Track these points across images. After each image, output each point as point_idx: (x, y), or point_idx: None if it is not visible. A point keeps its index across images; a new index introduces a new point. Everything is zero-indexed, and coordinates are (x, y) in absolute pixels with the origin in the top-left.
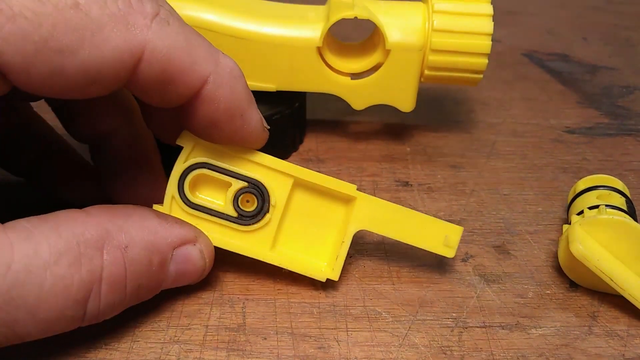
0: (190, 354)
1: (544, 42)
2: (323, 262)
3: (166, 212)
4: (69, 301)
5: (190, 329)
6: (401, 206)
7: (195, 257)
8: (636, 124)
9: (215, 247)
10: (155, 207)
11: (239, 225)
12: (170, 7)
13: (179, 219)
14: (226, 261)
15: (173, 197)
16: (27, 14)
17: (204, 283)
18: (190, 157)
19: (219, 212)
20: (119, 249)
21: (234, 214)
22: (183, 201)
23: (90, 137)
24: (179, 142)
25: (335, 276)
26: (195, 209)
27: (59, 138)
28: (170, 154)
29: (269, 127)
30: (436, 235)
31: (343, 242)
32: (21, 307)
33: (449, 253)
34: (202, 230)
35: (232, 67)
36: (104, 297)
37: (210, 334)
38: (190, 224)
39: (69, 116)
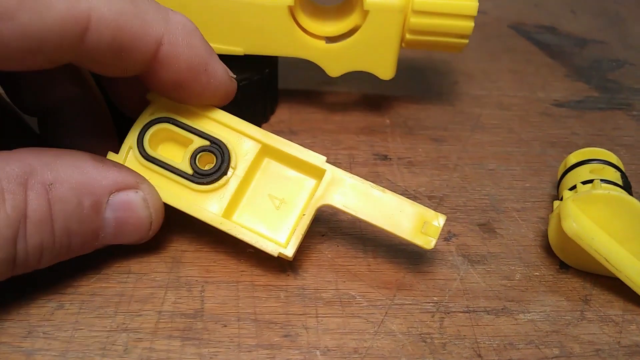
0: (139, 344)
1: (531, 15)
2: (282, 238)
3: (120, 161)
4: None
5: (141, 315)
6: (375, 185)
7: (136, 205)
8: (627, 98)
9: (166, 206)
10: (110, 155)
11: (193, 184)
12: None
13: (118, 163)
14: (184, 239)
15: (130, 147)
16: None
17: (157, 263)
18: (157, 112)
19: (173, 167)
20: (43, 185)
21: (190, 171)
22: (140, 153)
23: (39, 109)
24: (148, 97)
25: (289, 252)
26: (151, 161)
27: (8, 105)
28: (126, 123)
29: (235, 76)
30: (413, 221)
31: (304, 215)
32: None
33: (427, 244)
34: (154, 185)
35: (184, 22)
36: (30, 237)
37: (163, 320)
38: (132, 170)
39: (15, 86)
